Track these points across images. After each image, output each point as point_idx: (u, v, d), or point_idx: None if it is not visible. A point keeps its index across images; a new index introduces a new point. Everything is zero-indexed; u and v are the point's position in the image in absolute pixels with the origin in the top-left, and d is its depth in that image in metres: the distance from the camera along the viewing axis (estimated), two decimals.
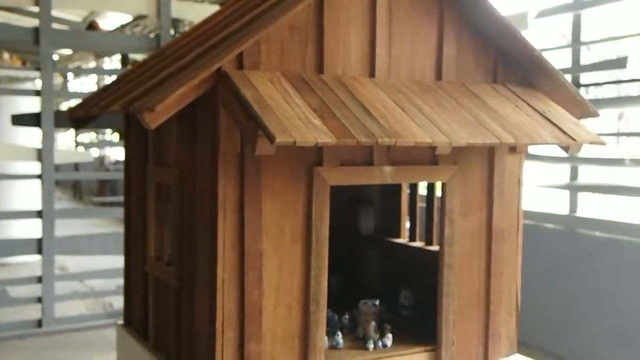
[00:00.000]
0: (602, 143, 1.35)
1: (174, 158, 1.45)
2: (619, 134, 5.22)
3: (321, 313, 1.35)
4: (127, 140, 1.77)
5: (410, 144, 1.18)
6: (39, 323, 3.58)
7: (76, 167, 9.37)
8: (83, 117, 1.69)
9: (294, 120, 1.13)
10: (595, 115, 1.50)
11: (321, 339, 1.35)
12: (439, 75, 1.44)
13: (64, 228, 3.86)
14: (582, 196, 3.53)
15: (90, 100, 1.67)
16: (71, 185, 12.04)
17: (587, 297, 3.33)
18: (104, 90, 1.68)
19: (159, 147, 1.56)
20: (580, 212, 3.46)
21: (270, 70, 1.27)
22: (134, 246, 1.74)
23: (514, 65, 1.52)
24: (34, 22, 3.54)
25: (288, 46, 1.29)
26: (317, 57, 1.32)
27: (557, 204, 3.69)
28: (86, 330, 3.57)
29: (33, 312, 3.65)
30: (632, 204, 3.75)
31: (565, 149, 1.35)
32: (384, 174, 1.38)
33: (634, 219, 3.21)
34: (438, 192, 1.55)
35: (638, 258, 3.09)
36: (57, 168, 3.51)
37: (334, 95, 1.25)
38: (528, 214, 3.69)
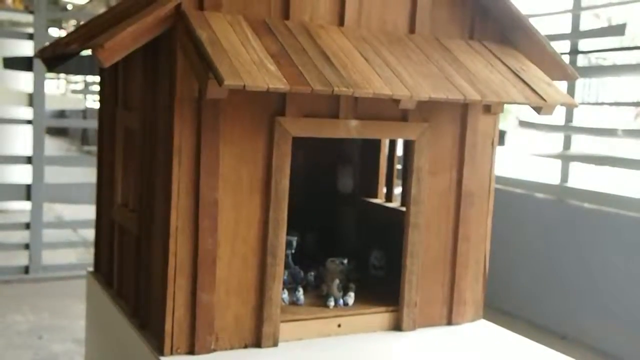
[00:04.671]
0: (574, 105, 1.30)
1: (139, 102, 1.41)
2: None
3: (278, 267, 1.32)
4: (101, 86, 1.73)
5: (369, 95, 1.14)
6: (26, 270, 3.59)
7: (84, 115, 9.28)
8: (53, 57, 1.65)
9: (248, 64, 1.09)
10: (574, 77, 1.45)
11: (277, 293, 1.33)
12: (412, 29, 1.38)
13: (70, 176, 3.84)
14: (576, 166, 3.49)
15: (60, 40, 1.63)
16: (80, 136, 11.99)
17: (573, 269, 3.31)
18: (75, 31, 1.64)
19: (127, 91, 1.52)
20: (571, 183, 3.42)
21: (232, 13, 1.22)
22: (104, 193, 1.72)
23: (493, 23, 1.46)
24: None
25: None
26: (284, 2, 1.27)
27: (552, 174, 3.65)
28: (72, 279, 3.58)
29: (22, 259, 3.66)
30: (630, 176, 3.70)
31: (538, 110, 1.30)
32: (349, 128, 1.34)
33: (624, 191, 3.17)
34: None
35: (625, 231, 3.06)
36: (62, 115, 3.50)
37: (295, 41, 1.20)
38: (519, 183, 3.66)
